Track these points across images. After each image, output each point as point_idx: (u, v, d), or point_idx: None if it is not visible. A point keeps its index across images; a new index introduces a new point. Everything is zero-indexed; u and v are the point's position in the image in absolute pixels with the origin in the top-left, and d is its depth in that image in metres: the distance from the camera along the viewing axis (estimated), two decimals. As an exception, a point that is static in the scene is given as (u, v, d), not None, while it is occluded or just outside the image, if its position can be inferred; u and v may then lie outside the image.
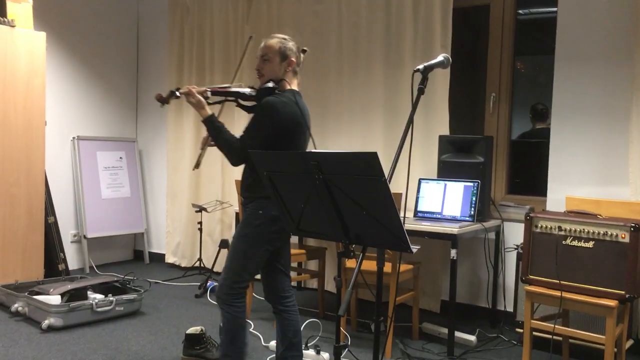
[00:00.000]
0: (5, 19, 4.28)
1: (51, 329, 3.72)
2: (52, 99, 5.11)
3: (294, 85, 2.86)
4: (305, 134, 2.84)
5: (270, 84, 2.78)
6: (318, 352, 3.32)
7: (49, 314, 3.73)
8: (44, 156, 4.56)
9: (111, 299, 3.98)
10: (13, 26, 4.31)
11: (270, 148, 2.69)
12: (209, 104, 2.83)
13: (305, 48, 2.94)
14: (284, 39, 2.84)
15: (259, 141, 2.69)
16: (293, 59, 2.81)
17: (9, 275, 4.35)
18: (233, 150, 2.73)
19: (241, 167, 5.14)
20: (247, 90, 2.84)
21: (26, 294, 3.99)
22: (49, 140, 4.87)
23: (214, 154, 5.42)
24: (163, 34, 5.82)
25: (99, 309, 3.89)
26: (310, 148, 2.94)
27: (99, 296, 4.03)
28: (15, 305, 3.99)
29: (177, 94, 2.77)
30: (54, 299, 3.84)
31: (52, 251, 4.80)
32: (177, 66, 5.65)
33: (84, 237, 5.39)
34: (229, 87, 2.89)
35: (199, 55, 5.52)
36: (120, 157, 5.78)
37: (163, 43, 5.81)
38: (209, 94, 2.80)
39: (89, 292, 4.03)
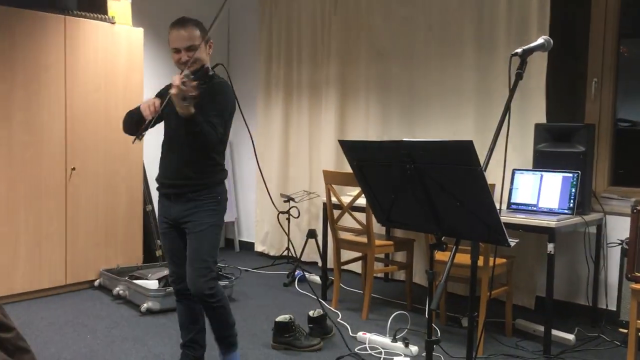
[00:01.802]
0: (107, 17, 4.51)
1: (149, 311, 3.91)
2: (149, 93, 5.32)
3: None
4: None
5: (209, 67, 2.67)
6: (407, 345, 3.27)
7: (148, 297, 3.92)
8: (142, 148, 4.78)
9: (204, 285, 4.11)
10: (113, 23, 4.52)
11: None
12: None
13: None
14: (198, 22, 2.67)
15: (227, 126, 2.66)
16: (211, 40, 2.73)
17: (111, 260, 4.61)
18: (213, 140, 2.56)
19: (329, 156, 5.08)
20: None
21: (127, 278, 4.21)
22: (146, 133, 5.08)
23: (303, 145, 5.48)
24: (252, 27, 5.93)
25: (193, 295, 4.03)
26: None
27: (193, 282, 4.17)
28: (117, 288, 4.21)
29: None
30: (152, 284, 4.02)
31: (149, 238, 5.04)
32: (266, 59, 5.74)
33: (179, 225, 5.60)
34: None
35: (287, 47, 5.58)
36: (212, 148, 5.95)
37: (253, 36, 5.92)
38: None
39: (183, 278, 4.19)
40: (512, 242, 1.85)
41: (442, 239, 1.95)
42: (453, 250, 1.82)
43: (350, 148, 2.07)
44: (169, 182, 2.71)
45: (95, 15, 4.45)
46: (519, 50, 1.98)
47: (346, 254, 4.39)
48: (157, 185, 2.81)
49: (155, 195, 5.22)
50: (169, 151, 2.73)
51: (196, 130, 2.49)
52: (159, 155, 2.86)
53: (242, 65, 6.10)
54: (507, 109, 1.91)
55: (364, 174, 2.08)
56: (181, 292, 2.84)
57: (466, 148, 1.68)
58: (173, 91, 2.41)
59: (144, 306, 3.89)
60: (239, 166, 6.16)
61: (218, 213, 2.73)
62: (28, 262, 4.16)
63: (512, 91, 1.95)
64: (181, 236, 2.76)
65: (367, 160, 2.03)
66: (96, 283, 4.50)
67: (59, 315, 3.87)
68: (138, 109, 2.63)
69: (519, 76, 1.96)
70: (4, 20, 3.98)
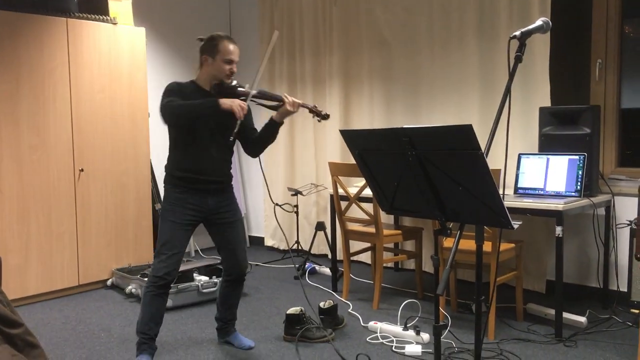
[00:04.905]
0: (108, 17, 4.53)
1: (162, 309, 3.93)
2: (153, 92, 5.36)
3: None
4: None
5: None
6: (418, 333, 3.28)
7: (159, 295, 3.94)
8: (148, 146, 4.80)
9: (215, 280, 4.15)
10: (115, 24, 4.54)
11: None
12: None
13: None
14: None
15: None
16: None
17: (123, 259, 4.65)
18: None
19: (334, 148, 5.10)
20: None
21: (138, 276, 4.24)
22: (152, 131, 5.13)
23: (308, 137, 5.49)
24: (254, 21, 5.93)
25: (205, 290, 4.07)
26: None
27: (204, 278, 4.21)
28: (129, 287, 4.25)
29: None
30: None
31: (159, 236, 5.07)
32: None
33: (188, 222, 5.63)
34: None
35: (289, 40, 5.58)
36: (219, 145, 5.97)
37: (254, 31, 5.92)
38: None
39: (194, 274, 4.22)
40: (516, 224, 1.85)
41: (448, 224, 1.96)
42: (457, 235, 1.82)
43: (351, 137, 2.08)
44: (211, 179, 2.98)
45: (97, 17, 4.47)
46: (517, 32, 1.97)
47: (355, 245, 4.40)
48: (183, 180, 2.97)
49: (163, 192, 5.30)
50: (208, 150, 2.95)
51: (275, 135, 3.04)
52: (166, 153, 3.07)
53: (245, 59, 6.07)
54: (508, 92, 1.91)
55: (366, 163, 2.08)
56: (168, 285, 3.00)
57: (466, 132, 1.69)
58: (292, 109, 2.93)
59: (156, 303, 3.93)
60: (247, 162, 6.18)
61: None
62: (40, 264, 4.21)
63: (511, 74, 1.94)
64: (193, 230, 3.04)
65: (368, 149, 2.04)
66: (108, 282, 4.54)
67: (73, 315, 3.91)
68: (201, 106, 2.81)
69: (519, 59, 1.95)
70: (7, 25, 4.01)
